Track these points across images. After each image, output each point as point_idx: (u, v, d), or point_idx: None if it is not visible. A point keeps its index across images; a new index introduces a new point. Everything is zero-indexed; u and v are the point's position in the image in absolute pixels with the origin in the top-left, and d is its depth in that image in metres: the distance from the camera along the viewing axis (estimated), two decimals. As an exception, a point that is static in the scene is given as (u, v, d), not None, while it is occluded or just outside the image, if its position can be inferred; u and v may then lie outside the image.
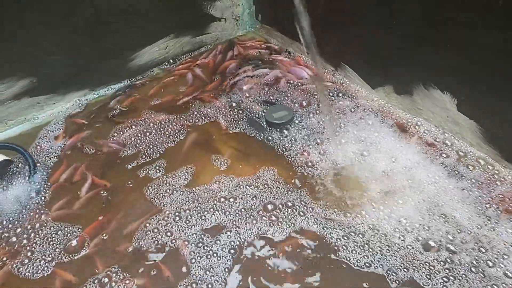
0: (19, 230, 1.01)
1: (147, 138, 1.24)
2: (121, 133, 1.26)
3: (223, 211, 1.01)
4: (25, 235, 0.99)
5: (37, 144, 1.24)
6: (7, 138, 1.29)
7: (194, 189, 1.07)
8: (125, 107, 1.37)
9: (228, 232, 0.96)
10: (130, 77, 1.51)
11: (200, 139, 1.23)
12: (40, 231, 1.00)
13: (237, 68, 1.50)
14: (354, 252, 0.91)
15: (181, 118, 1.30)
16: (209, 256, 0.92)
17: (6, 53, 1.19)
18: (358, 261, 0.89)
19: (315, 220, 0.97)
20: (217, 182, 1.08)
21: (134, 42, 1.46)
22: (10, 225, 1.02)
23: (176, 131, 1.26)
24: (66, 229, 1.00)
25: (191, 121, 1.29)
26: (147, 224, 1.00)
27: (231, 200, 1.04)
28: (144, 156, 1.18)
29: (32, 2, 1.16)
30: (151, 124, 1.28)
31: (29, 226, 1.01)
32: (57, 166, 1.17)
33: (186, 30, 1.57)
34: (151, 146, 1.21)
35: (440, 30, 1.02)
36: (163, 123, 1.29)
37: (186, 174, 1.11)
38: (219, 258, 0.91)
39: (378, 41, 1.20)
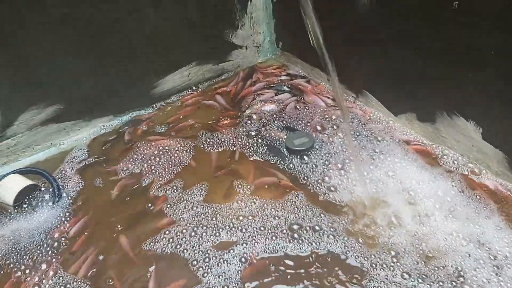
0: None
1: (159, 162, 1.25)
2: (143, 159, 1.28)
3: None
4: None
5: (62, 169, 1.27)
6: (34, 162, 1.33)
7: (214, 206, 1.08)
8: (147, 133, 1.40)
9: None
10: (153, 103, 1.54)
11: (221, 165, 1.23)
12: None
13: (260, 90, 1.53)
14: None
15: (198, 145, 1.32)
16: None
17: (34, 80, 1.23)
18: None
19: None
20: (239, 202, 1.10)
21: (158, 69, 1.49)
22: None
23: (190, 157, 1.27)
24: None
25: (206, 147, 1.30)
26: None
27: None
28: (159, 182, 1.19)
29: (62, 27, 1.20)
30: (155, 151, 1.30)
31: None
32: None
33: (208, 58, 1.61)
34: (164, 170, 1.22)
35: (463, 59, 1.01)
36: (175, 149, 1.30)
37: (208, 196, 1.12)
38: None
39: (400, 67, 1.20)
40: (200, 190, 1.15)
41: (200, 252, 0.99)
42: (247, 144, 1.29)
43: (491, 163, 1.08)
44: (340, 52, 1.38)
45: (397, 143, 1.21)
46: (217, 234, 1.02)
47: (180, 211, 1.10)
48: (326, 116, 1.35)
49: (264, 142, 1.29)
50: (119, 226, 1.08)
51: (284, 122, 1.36)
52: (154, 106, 1.54)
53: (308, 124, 1.33)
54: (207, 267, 0.95)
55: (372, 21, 1.20)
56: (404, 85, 1.21)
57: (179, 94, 1.59)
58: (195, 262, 0.96)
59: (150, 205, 1.13)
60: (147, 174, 1.22)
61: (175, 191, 1.16)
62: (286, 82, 1.58)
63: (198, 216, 1.07)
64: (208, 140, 1.33)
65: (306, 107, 1.41)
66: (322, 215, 1.04)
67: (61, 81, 1.28)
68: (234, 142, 1.31)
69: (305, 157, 1.21)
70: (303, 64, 1.62)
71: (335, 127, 1.30)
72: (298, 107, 1.41)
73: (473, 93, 1.03)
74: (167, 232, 1.04)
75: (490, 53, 0.94)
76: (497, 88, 0.97)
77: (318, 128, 1.31)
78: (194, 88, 1.62)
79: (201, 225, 1.05)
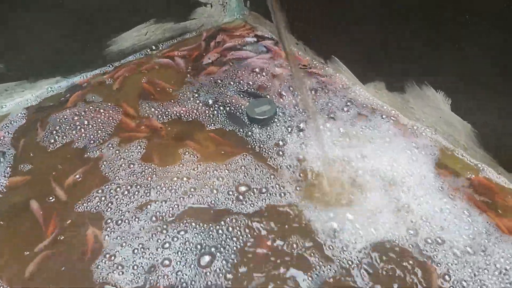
0: None
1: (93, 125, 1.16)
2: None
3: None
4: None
5: None
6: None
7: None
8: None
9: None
10: (106, 64, 1.42)
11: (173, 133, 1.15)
12: None
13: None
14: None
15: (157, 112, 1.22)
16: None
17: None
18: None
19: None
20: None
21: (112, 25, 1.36)
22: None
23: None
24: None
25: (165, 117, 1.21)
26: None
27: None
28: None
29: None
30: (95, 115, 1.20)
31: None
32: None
33: (168, 15, 1.48)
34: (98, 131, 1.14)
35: (440, 30, 0.93)
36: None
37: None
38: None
39: (372, 35, 1.11)
40: (138, 148, 1.08)
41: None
42: (206, 112, 1.20)
43: (459, 136, 1.02)
44: (306, 15, 1.29)
45: (362, 110, 1.15)
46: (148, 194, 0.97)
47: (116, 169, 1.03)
48: (287, 79, 1.27)
49: (224, 109, 1.20)
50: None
51: (247, 87, 1.27)
52: (110, 66, 1.42)
53: (272, 90, 1.25)
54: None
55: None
56: (375, 53, 1.13)
57: (135, 55, 1.47)
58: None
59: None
60: (81, 138, 1.13)
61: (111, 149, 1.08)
62: (252, 43, 1.47)
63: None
64: (156, 110, 1.23)
65: (271, 72, 1.32)
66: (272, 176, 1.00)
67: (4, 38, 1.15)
68: (190, 111, 1.21)
69: (265, 125, 1.13)
70: (273, 26, 1.51)
71: (295, 91, 1.22)
72: (264, 72, 1.32)
73: (444, 63, 0.96)
74: (100, 191, 0.99)
75: (464, 27, 0.87)
76: (470, 59, 0.90)
77: (283, 94, 1.23)
78: (153, 47, 1.50)
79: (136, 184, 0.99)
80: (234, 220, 0.92)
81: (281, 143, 1.08)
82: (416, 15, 0.97)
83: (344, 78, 1.27)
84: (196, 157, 1.07)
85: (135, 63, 1.42)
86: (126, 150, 1.09)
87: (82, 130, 1.16)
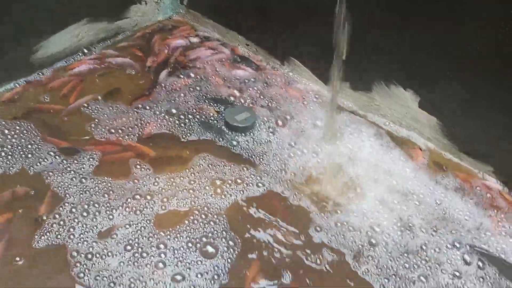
0: None
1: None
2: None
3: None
4: None
5: None
6: None
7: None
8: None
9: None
10: (34, 71, 1.19)
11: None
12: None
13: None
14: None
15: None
16: None
17: None
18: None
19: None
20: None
21: (39, 28, 1.15)
22: None
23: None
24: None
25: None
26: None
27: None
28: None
29: None
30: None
31: None
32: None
33: (101, 14, 1.31)
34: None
35: (409, 26, 1.02)
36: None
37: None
38: None
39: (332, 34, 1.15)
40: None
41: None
42: (176, 123, 1.11)
43: (423, 129, 1.14)
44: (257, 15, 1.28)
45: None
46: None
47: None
48: (258, 83, 1.25)
49: (194, 119, 1.12)
50: None
51: (208, 93, 1.21)
52: (39, 73, 1.19)
53: (239, 95, 1.21)
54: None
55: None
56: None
57: (67, 59, 1.27)
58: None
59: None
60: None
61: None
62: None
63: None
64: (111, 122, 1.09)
65: (229, 74, 1.27)
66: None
67: None
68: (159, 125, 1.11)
69: (245, 132, 1.09)
70: (216, 25, 1.45)
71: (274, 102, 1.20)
72: (219, 73, 1.27)
73: (412, 62, 1.06)
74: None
75: (433, 21, 0.96)
76: (438, 56, 1.01)
77: (253, 98, 1.20)
78: (85, 51, 1.31)
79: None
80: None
81: (268, 147, 1.07)
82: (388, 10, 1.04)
83: (304, 80, 1.30)
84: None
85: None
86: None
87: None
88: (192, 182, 0.96)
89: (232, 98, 1.19)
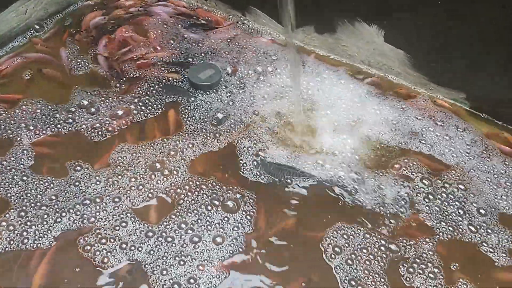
0: None
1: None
2: None
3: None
4: None
5: None
6: None
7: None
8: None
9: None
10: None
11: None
12: None
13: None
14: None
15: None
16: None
17: None
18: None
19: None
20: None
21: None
22: None
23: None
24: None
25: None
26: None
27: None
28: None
29: None
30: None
31: None
32: None
33: (47, -14, 1.24)
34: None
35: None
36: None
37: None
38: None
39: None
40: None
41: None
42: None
43: (393, 64, 1.12)
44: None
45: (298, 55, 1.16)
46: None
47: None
48: (219, 40, 1.21)
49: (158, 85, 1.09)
50: None
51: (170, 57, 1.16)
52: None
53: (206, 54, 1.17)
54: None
55: None
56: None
57: (17, 40, 1.20)
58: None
59: None
60: None
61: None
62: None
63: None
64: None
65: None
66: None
67: None
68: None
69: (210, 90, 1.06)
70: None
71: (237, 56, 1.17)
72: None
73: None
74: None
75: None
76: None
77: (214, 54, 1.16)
78: (37, 27, 1.24)
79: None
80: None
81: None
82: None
83: (269, 30, 1.26)
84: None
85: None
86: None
87: None
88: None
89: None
